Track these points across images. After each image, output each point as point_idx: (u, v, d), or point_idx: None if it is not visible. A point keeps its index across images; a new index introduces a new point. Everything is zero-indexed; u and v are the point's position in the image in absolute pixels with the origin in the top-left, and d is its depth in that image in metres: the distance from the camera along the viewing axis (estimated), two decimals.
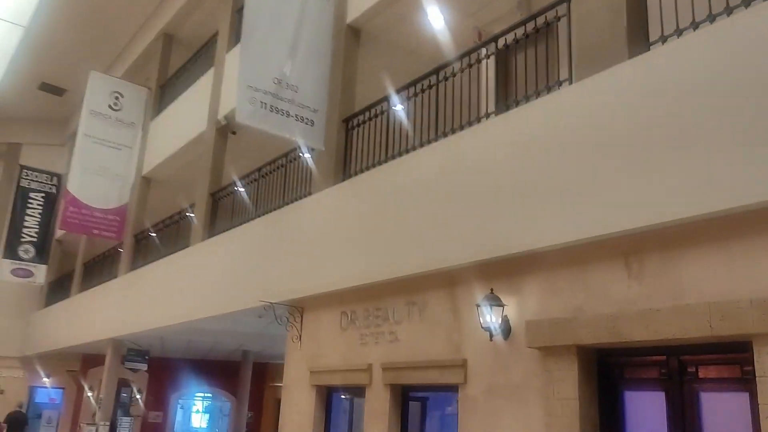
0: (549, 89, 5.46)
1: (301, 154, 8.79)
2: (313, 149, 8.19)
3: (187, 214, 11.61)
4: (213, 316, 9.73)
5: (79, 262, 16.43)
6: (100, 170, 13.31)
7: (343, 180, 7.63)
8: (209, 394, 19.42)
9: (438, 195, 5.95)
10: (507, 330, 5.17)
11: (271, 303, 7.61)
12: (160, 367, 16.81)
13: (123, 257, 13.62)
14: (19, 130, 20.44)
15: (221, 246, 9.88)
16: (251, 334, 12.73)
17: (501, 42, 6.38)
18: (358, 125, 7.85)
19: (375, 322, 6.56)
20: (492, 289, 5.25)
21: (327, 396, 7.17)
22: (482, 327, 5.19)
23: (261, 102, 7.51)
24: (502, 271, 5.30)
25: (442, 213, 5.81)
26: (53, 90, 18.74)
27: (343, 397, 7.15)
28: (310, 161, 8.60)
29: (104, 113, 13.53)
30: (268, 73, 7.61)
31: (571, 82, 5.24)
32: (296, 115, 7.81)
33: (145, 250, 13.05)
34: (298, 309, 7.73)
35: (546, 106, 5.22)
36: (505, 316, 5.16)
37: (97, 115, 13.45)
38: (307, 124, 7.90)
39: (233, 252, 9.45)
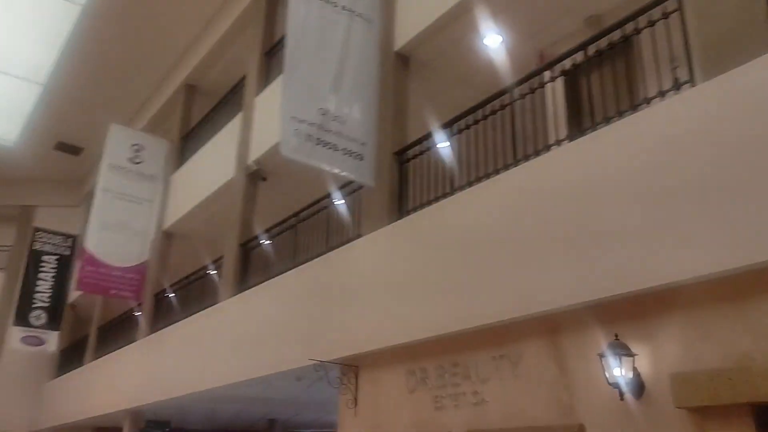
0: (663, 94, 4.63)
1: (339, 198, 7.98)
2: (361, 186, 7.36)
3: (211, 271, 10.73)
4: (245, 381, 8.68)
5: (94, 326, 15.43)
6: (119, 226, 12.51)
7: (400, 218, 6.75)
8: None
9: (526, 225, 5.04)
10: (639, 386, 4.14)
11: (321, 362, 6.58)
12: None
13: (142, 319, 12.64)
14: (33, 192, 19.85)
15: (254, 301, 8.93)
16: (282, 400, 11.60)
17: (569, 62, 5.67)
18: (413, 157, 7.03)
19: (452, 381, 5.53)
20: (617, 335, 4.24)
21: None
22: (608, 383, 4.16)
23: (307, 134, 6.73)
24: (625, 313, 4.31)
25: (534, 245, 4.88)
26: (70, 149, 18.23)
27: None
28: (344, 207, 7.81)
29: (124, 167, 12.85)
30: (312, 104, 6.87)
31: (693, 84, 4.42)
32: (344, 149, 7.00)
33: (166, 311, 12.09)
34: (351, 368, 6.70)
35: (667, 109, 4.36)
36: (635, 368, 4.14)
37: (116, 168, 12.77)
38: (356, 158, 7.08)
39: (269, 307, 8.48)
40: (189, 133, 13.47)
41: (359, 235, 7.26)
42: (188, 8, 12.93)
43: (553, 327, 4.78)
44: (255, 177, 10.27)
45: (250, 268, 9.66)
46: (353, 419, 6.55)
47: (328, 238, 7.96)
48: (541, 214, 4.95)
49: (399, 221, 6.69)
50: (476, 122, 6.39)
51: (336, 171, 6.95)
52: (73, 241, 17.99)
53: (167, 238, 13.04)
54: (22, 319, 17.06)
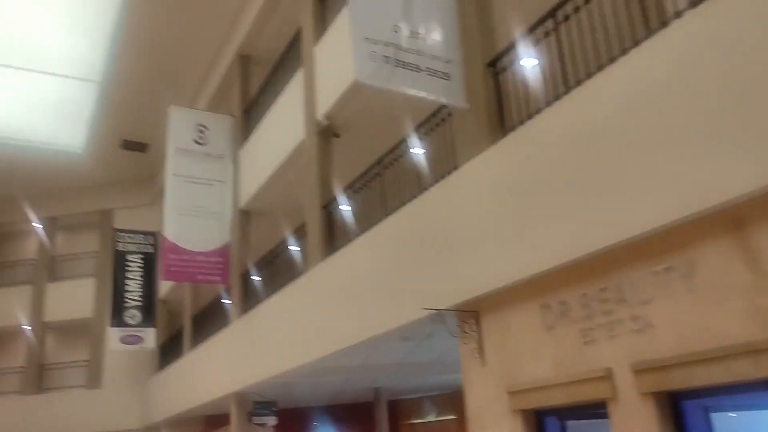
0: None
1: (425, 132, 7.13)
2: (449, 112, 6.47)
3: (295, 243, 10.15)
4: (348, 348, 8.05)
5: (187, 317, 15.31)
6: (195, 210, 12.12)
7: (502, 137, 5.83)
8: None
9: (683, 100, 4.03)
10: None
11: (438, 310, 5.80)
12: (286, 419, 15.27)
13: (233, 301, 12.29)
14: (108, 196, 20.02)
15: (347, 262, 8.25)
16: (387, 366, 10.98)
17: None
18: (509, 66, 6.07)
19: (602, 309, 4.62)
20: None
21: (538, 423, 5.22)
22: None
23: (383, 56, 5.89)
24: None
25: (701, 123, 3.88)
26: (136, 147, 18.14)
27: (565, 421, 5.18)
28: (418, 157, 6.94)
29: (190, 149, 12.42)
30: (385, 21, 6.01)
31: None
32: (428, 69, 6.12)
33: (255, 290, 11.66)
34: (471, 314, 5.89)
35: None
36: None
37: (183, 152, 12.34)
38: (442, 77, 6.19)
39: (364, 265, 7.78)
40: (250, 105, 12.90)
41: (455, 167, 6.40)
42: None
43: (737, 221, 3.78)
44: (327, 134, 9.53)
45: (337, 229, 8.97)
46: (481, 370, 5.76)
47: (420, 179, 7.15)
48: (707, 77, 3.93)
49: (502, 141, 5.78)
50: (576, 10, 5.35)
51: (422, 94, 6.10)
52: (154, 238, 17.92)
53: (245, 216, 12.58)
54: (118, 319, 17.21)
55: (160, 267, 12.51)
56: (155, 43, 14.15)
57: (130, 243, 17.89)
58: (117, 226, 18.55)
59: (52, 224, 20.24)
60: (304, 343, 9.10)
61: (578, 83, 5.06)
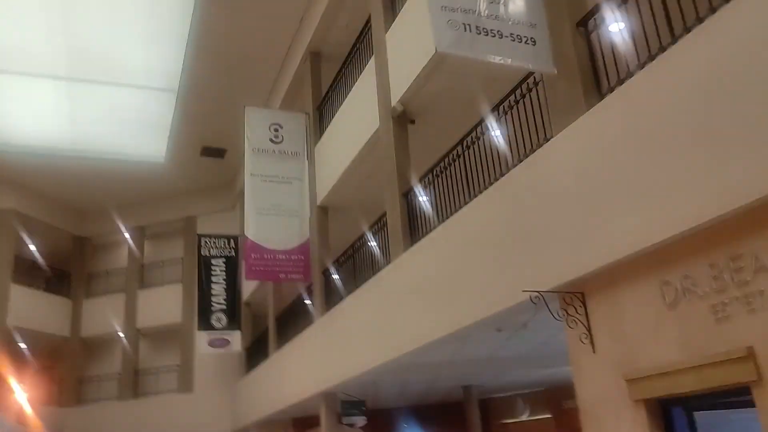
0: None
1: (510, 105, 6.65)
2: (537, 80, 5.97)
3: (374, 237, 9.86)
4: (437, 341, 7.65)
5: (271, 318, 15.36)
6: (274, 209, 12.06)
7: (599, 100, 5.29)
8: None
9: None
10: None
11: (539, 292, 5.31)
12: (375, 421, 15.04)
13: (315, 299, 12.15)
14: (191, 203, 20.50)
15: (430, 251, 7.86)
16: (478, 360, 10.52)
17: None
18: (601, 25, 5.52)
19: (738, 279, 4.02)
20: None
21: (665, 413, 4.63)
22: None
23: (463, 23, 5.48)
24: None
25: None
26: (214, 153, 18.45)
27: (695, 411, 4.57)
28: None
29: (267, 148, 12.37)
30: None
31: None
32: (511, 35, 5.67)
33: (336, 287, 11.46)
34: (575, 296, 5.36)
35: None
36: None
37: (260, 152, 12.31)
38: (527, 43, 5.71)
39: (452, 252, 7.36)
40: (323, 101, 12.76)
41: (547, 139, 5.89)
42: None
43: None
44: (402, 121, 9.19)
45: (418, 217, 8.60)
46: (592, 357, 5.22)
47: (503, 158, 6.68)
48: None
49: (599, 104, 5.23)
50: None
51: (506, 61, 5.63)
52: (235, 242, 18.16)
53: (323, 213, 12.44)
54: (205, 323, 17.49)
55: (243, 267, 12.53)
56: (227, 48, 14.29)
57: (213, 247, 18.20)
58: (200, 231, 18.91)
59: (140, 233, 20.92)
60: (389, 339, 8.78)
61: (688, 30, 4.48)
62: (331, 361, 11.06)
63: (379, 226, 9.79)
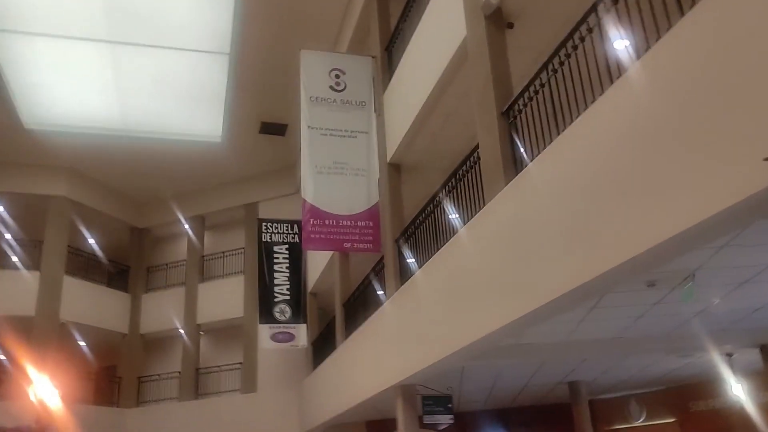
0: None
1: None
2: None
3: (448, 200, 7.73)
4: (552, 304, 5.43)
5: (338, 304, 13.39)
6: (337, 168, 10.15)
7: None
8: None
9: None
10: None
11: None
12: (458, 423, 12.84)
13: (386, 274, 10.10)
14: (251, 189, 19.00)
15: (546, 174, 5.64)
16: (599, 343, 8.17)
17: None
18: None
19: None
20: None
21: None
22: None
23: None
24: None
25: None
26: (275, 129, 16.81)
27: None
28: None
29: (327, 97, 10.49)
30: None
31: None
32: None
33: (414, 254, 9.38)
34: None
35: None
36: None
37: (319, 101, 10.45)
38: None
39: (582, 168, 5.12)
40: (392, 38, 10.74)
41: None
42: None
43: None
44: (498, 22, 7.03)
45: (519, 143, 6.41)
46: None
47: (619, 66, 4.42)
48: None
49: None
50: None
51: None
52: (299, 227, 16.46)
53: (395, 171, 10.40)
54: (267, 316, 15.88)
55: (301, 236, 10.63)
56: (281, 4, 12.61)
57: (275, 233, 16.59)
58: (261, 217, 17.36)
59: (199, 223, 19.58)
60: (481, 310, 6.61)
61: None
62: (407, 346, 8.97)
63: (468, 166, 7.64)
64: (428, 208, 8.81)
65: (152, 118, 15.96)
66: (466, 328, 7.07)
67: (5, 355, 15.25)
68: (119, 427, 17.21)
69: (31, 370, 7.61)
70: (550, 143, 5.50)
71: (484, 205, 6.77)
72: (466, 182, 7.60)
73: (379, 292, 10.92)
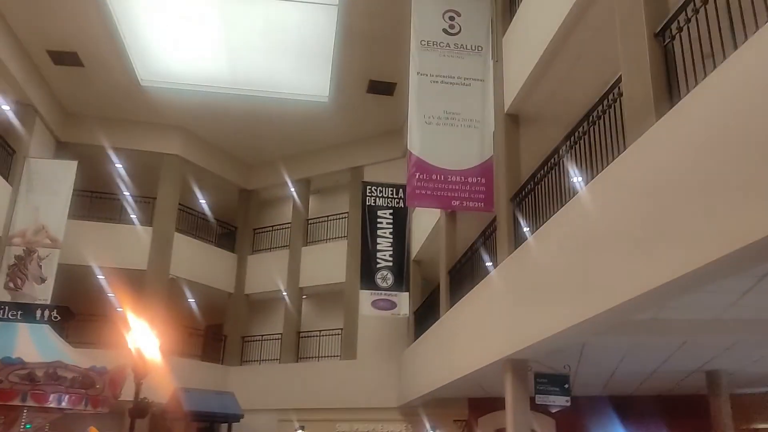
0: None
1: None
2: None
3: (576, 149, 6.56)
4: (712, 271, 4.27)
5: (443, 271, 12.53)
6: (447, 118, 9.24)
7: None
8: None
9: None
10: None
11: None
12: (570, 412, 11.67)
13: (499, 235, 9.10)
14: (357, 152, 18.46)
15: (712, 111, 4.42)
16: (747, 322, 6.79)
17: None
18: None
19: None
20: None
21: None
22: None
23: None
24: None
25: None
26: (383, 88, 16.07)
27: None
28: None
29: (439, 41, 9.56)
30: None
31: None
32: None
33: (530, 215, 8.33)
34: None
35: None
36: None
37: (430, 45, 9.54)
38: None
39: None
40: None
41: None
42: None
43: None
44: None
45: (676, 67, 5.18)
46: None
47: None
48: None
49: None
50: None
51: None
52: (404, 191, 15.73)
53: (513, 123, 9.32)
54: (368, 282, 15.33)
55: (406, 192, 9.79)
56: None
57: (379, 197, 15.98)
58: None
59: (305, 187, 19.35)
60: (616, 275, 5.50)
61: None
62: (520, 317, 7.97)
63: (604, 107, 6.47)
64: (552, 160, 7.71)
65: (261, 75, 15.71)
66: (594, 296, 5.98)
67: (117, 306, 15.80)
68: (223, 383, 17.43)
69: (135, 320, 7.35)
70: (717, 67, 4.29)
71: (622, 152, 5.61)
72: (601, 125, 6.45)
73: (488, 264, 9.95)
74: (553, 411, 8.48)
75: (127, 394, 7.33)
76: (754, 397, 11.67)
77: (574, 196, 6.66)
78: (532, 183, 8.28)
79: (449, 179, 9.01)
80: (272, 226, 19.79)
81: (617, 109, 6.14)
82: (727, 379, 9.76)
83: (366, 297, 15.17)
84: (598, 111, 6.65)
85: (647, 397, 12.38)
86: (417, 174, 8.99)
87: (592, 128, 6.69)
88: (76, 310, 11.85)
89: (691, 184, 4.53)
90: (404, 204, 15.91)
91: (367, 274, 15.35)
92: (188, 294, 18.10)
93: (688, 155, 4.59)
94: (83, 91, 16.21)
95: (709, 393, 9.77)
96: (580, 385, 11.42)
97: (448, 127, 9.20)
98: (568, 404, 8.30)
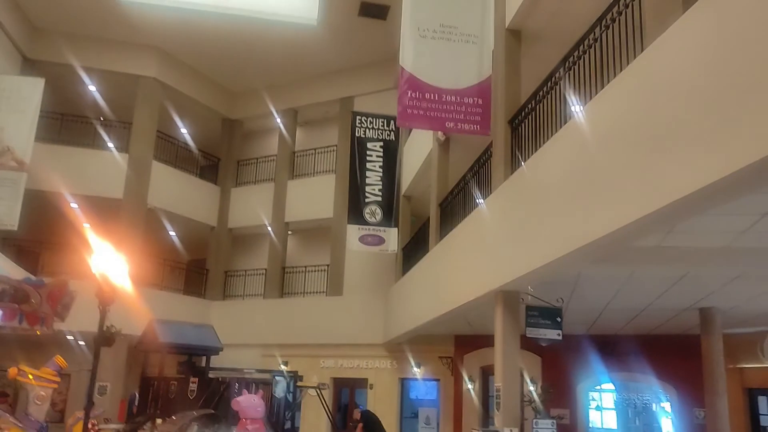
0: None
1: None
2: None
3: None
4: (728, 186, 3.75)
5: (433, 203, 11.99)
6: (443, 31, 8.45)
7: None
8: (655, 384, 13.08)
9: None
10: None
11: None
12: (557, 349, 11.33)
13: (495, 160, 8.53)
14: (347, 82, 17.61)
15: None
16: (756, 251, 6.34)
17: None
18: None
19: None
20: None
21: None
22: None
23: None
24: None
25: None
26: (375, 11, 15.15)
27: None
28: None
29: None
30: None
31: None
32: None
33: (527, 140, 7.74)
34: None
35: None
36: None
37: None
38: None
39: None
40: None
41: None
42: None
43: None
44: None
45: None
46: None
47: None
48: None
49: None
50: None
51: None
52: (394, 123, 15.03)
53: (514, 39, 8.62)
54: (356, 216, 14.79)
55: (397, 109, 9.08)
56: None
57: (369, 128, 15.27)
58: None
59: (292, 117, 18.53)
60: (618, 196, 4.99)
61: None
62: (513, 245, 7.49)
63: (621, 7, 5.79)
64: (556, 76, 7.06)
65: None
66: (593, 219, 5.50)
67: (87, 236, 15.15)
68: (205, 317, 17.04)
69: (100, 244, 6.74)
70: None
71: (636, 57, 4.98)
72: (616, 28, 5.78)
73: (480, 196, 9.40)
74: (544, 345, 8.09)
75: (93, 324, 6.82)
76: (742, 337, 11.42)
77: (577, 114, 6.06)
78: (532, 102, 7.65)
79: (444, 99, 8.32)
80: (257, 159, 19.08)
81: (635, 10, 5.47)
82: (720, 317, 9.42)
83: (354, 232, 14.66)
84: (607, 19, 5.97)
85: (631, 336, 12.13)
86: (409, 92, 8.28)
87: (603, 34, 6.02)
88: (45, 238, 11.18)
89: (708, 88, 3.93)
90: (395, 137, 15.27)
91: (355, 209, 14.80)
92: (169, 226, 17.51)
93: (704, 58, 3.98)
94: (52, 4, 15.13)
95: (702, 331, 9.44)
96: (567, 323, 11.10)
97: (444, 42, 8.45)
98: (560, 338, 7.92)
